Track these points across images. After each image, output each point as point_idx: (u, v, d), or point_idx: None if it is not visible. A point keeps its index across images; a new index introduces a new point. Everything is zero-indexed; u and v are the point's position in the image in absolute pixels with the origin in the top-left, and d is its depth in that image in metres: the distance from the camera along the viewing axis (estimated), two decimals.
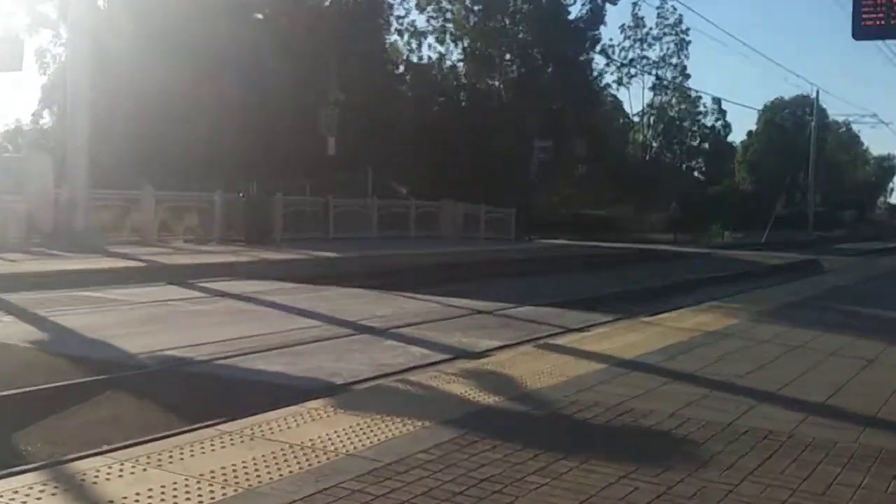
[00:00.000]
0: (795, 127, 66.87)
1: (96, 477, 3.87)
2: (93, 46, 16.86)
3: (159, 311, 10.19)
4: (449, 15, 33.48)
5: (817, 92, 56.16)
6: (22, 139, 30.00)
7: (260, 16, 28.81)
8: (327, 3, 29.34)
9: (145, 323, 9.30)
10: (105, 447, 4.71)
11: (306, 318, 9.91)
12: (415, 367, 6.98)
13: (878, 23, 8.34)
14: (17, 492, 3.64)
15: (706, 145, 71.51)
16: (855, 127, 71.22)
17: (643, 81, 48.97)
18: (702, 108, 60.13)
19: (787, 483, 4.04)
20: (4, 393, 6.14)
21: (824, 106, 58.55)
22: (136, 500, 3.54)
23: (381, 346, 8.18)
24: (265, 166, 25.29)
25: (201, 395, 6.41)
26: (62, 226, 16.71)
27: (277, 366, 7.08)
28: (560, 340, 8.16)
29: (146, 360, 7.22)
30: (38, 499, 3.57)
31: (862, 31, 8.52)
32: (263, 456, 4.18)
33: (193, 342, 7.86)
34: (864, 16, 8.42)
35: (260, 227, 21.32)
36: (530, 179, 33.15)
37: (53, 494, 3.63)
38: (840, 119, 67.62)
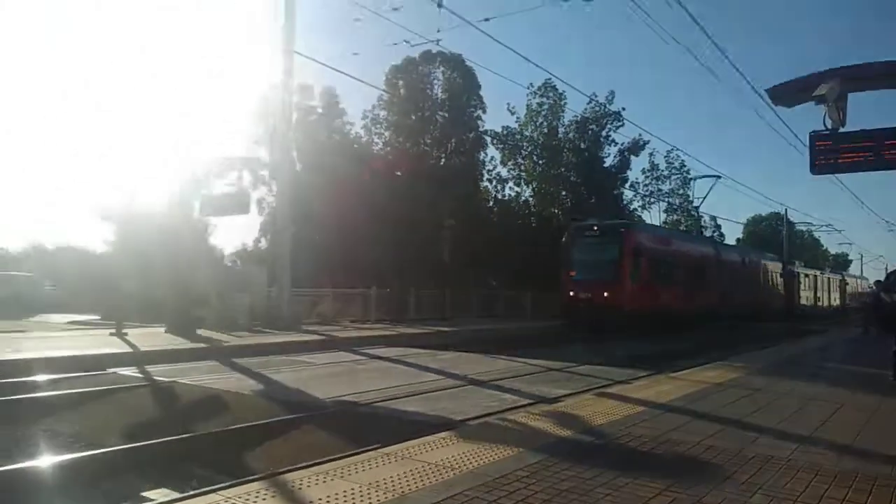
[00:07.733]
0: (772, 234, 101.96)
1: (300, 485, 5.25)
2: (292, 196, 27.94)
3: (336, 369, 13.76)
4: (522, 167, 54.65)
5: (786, 210, 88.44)
6: (246, 256, 49.03)
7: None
8: (442, 163, 50.39)
9: (327, 378, 12.34)
10: (304, 463, 6.11)
11: (431, 373, 13.03)
12: (509, 409, 8.85)
13: (828, 162, 13.11)
14: (248, 495, 5.07)
15: None
16: (816, 234, 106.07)
17: (659, 206, 73.24)
18: (704, 224, 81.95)
19: (788, 496, 5.20)
20: (239, 426, 8.55)
21: (792, 219, 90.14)
22: (328, 502, 5.00)
23: (483, 393, 10.57)
24: (403, 270, 39.08)
25: (366, 427, 8.29)
26: (273, 313, 26.24)
27: (415, 406, 9.23)
28: (611, 390, 10.54)
29: (329, 403, 9.59)
30: (264, 499, 4.98)
31: (817, 168, 13.35)
32: (411, 471, 5.59)
33: (359, 391, 10.50)
34: (818, 158, 13.24)
35: (397, 310, 33.88)
36: None
37: (273, 497, 5.03)
38: (803, 228, 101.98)
